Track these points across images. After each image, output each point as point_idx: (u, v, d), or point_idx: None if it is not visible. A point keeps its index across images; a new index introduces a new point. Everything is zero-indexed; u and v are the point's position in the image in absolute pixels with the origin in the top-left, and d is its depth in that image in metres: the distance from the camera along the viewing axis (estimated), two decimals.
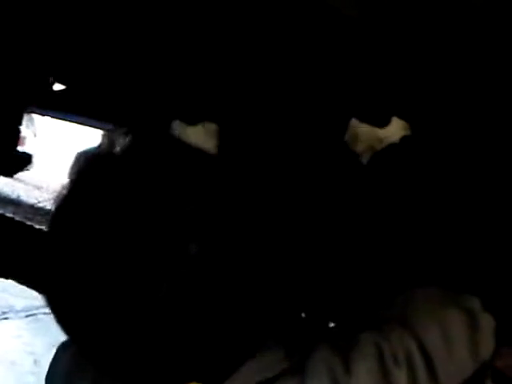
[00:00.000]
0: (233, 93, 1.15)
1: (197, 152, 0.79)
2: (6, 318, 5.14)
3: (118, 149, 0.74)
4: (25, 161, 1.58)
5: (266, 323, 0.78)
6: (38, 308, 4.86)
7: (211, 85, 1.17)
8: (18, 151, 1.61)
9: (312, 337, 0.84)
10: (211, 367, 0.74)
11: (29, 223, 2.09)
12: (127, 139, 0.75)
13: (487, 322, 0.88)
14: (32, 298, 4.79)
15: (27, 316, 5.02)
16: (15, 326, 4.92)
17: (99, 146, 0.75)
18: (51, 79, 1.21)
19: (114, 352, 0.72)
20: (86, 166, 0.75)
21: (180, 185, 0.72)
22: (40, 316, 4.68)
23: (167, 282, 0.69)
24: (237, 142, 1.13)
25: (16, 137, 1.60)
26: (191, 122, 1.11)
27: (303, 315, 1.06)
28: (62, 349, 0.91)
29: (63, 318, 0.74)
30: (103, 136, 0.77)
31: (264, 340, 0.78)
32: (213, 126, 1.11)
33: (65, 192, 0.74)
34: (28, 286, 2.05)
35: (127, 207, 0.70)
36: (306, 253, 1.06)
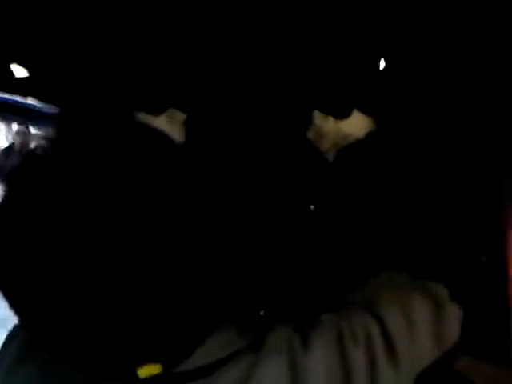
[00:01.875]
0: (195, 83, 1.13)
1: (162, 137, 0.77)
2: (5, 326, 5.04)
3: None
4: None
5: (224, 301, 0.77)
6: (6, 319, 4.76)
7: (175, 75, 1.15)
8: None
9: (270, 317, 0.83)
10: (169, 347, 0.73)
11: None
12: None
13: (453, 312, 0.87)
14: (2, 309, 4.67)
15: None
16: None
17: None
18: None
19: (66, 333, 0.70)
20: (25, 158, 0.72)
21: (142, 170, 0.70)
22: None
23: (122, 263, 0.67)
24: (202, 132, 1.10)
25: None
26: (156, 112, 1.09)
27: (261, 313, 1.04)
28: (10, 336, 0.89)
29: (13, 300, 0.72)
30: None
31: (221, 319, 0.77)
32: (179, 114, 1.08)
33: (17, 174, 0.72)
34: None
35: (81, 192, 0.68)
36: (265, 243, 1.04)
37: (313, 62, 1.10)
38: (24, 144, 7.04)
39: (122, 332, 0.69)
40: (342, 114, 1.05)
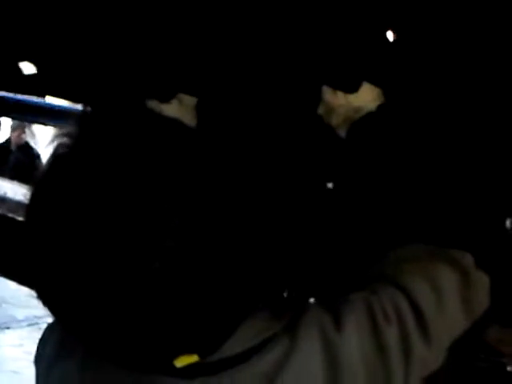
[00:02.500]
0: (203, 66, 1.12)
1: (174, 123, 0.77)
2: (7, 328, 5.14)
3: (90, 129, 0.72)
4: None
5: (256, 291, 0.75)
6: (39, 318, 4.87)
7: (182, 60, 1.14)
8: None
9: (300, 302, 0.82)
10: (203, 338, 0.72)
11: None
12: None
13: (480, 279, 0.86)
14: (33, 308, 4.81)
15: (29, 325, 5.02)
16: (17, 336, 4.93)
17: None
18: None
19: (101, 328, 0.69)
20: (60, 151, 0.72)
21: (157, 158, 0.69)
22: (42, 325, 4.67)
23: (154, 258, 0.66)
24: (213, 115, 1.09)
25: None
26: (166, 99, 1.08)
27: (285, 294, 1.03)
28: (49, 330, 0.89)
29: (49, 298, 0.72)
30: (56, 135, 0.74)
31: (254, 307, 0.76)
32: (189, 99, 1.07)
33: (42, 176, 0.72)
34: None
35: (104, 188, 0.67)
36: (287, 225, 1.03)
37: (319, 37, 1.08)
38: (20, 139, 7.15)
39: (156, 325, 0.68)
40: (352, 88, 1.03)
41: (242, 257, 0.72)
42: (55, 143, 0.72)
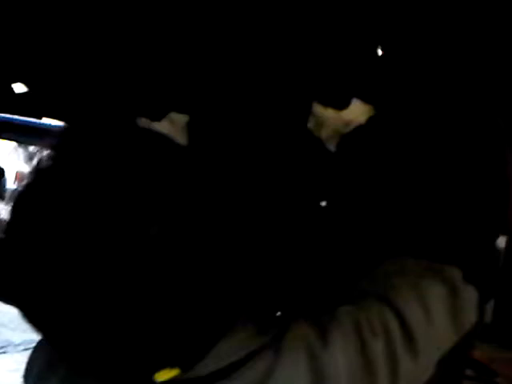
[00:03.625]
0: (193, 82, 1.13)
1: (165, 140, 0.77)
2: (4, 353, 5.10)
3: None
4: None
5: (237, 303, 0.74)
6: (36, 342, 4.82)
7: (173, 78, 1.14)
8: None
9: (287, 315, 0.81)
10: (184, 351, 0.71)
11: None
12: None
13: (468, 294, 0.85)
14: (30, 332, 4.75)
15: (25, 350, 4.98)
16: (13, 360, 4.88)
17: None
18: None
19: (83, 342, 0.69)
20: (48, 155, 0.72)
21: (147, 171, 0.69)
22: None
23: (132, 268, 0.66)
24: (204, 132, 1.09)
25: None
26: (156, 118, 1.08)
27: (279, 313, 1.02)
28: (36, 350, 0.89)
29: (32, 315, 0.72)
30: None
31: (236, 319, 0.75)
32: (180, 117, 1.08)
33: (32, 174, 0.71)
34: None
35: (91, 192, 0.67)
36: (273, 240, 1.02)
37: (309, 55, 1.08)
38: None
39: (137, 339, 0.68)
40: (341, 105, 1.04)
41: (227, 270, 0.71)
42: (38, 157, 0.71)
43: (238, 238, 0.74)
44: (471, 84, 1.05)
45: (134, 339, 0.67)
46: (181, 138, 1.03)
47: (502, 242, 1.00)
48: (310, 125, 1.05)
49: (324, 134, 1.04)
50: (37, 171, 0.72)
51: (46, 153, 0.73)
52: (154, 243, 0.66)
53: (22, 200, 0.71)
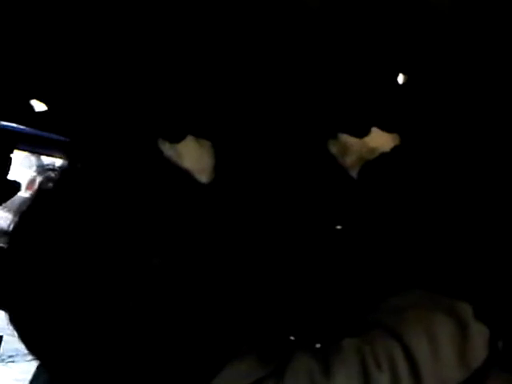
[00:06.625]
0: (216, 109, 1.12)
1: (185, 176, 0.77)
2: (12, 362, 5.09)
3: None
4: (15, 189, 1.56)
5: (240, 331, 0.75)
6: None
7: (194, 103, 1.14)
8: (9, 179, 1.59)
9: (291, 345, 0.80)
10: (187, 377, 0.71)
11: None
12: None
13: (478, 331, 0.85)
14: None
15: (33, 360, 4.98)
16: (21, 370, 4.88)
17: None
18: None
19: (83, 369, 0.70)
20: (54, 181, 0.72)
21: (158, 204, 0.69)
22: None
23: (136, 295, 0.67)
24: (230, 161, 1.08)
25: (7, 164, 1.59)
26: (176, 139, 1.07)
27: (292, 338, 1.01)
28: (38, 369, 0.91)
29: (30, 341, 0.71)
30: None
31: (239, 347, 0.75)
32: (206, 143, 1.06)
33: (32, 203, 0.72)
34: None
35: (97, 221, 0.67)
36: (291, 268, 1.01)
37: (330, 85, 1.08)
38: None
39: (139, 364, 0.68)
40: (362, 133, 1.03)
41: (233, 300, 0.72)
42: (41, 177, 0.72)
43: (248, 268, 0.74)
44: (490, 110, 1.04)
45: (138, 364, 0.68)
46: (209, 160, 1.00)
47: None
48: (334, 151, 1.04)
49: (348, 160, 1.03)
50: (39, 193, 0.72)
51: (57, 172, 0.73)
52: (157, 272, 0.66)
53: (26, 224, 0.72)
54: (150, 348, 0.67)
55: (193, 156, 0.92)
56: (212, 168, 0.92)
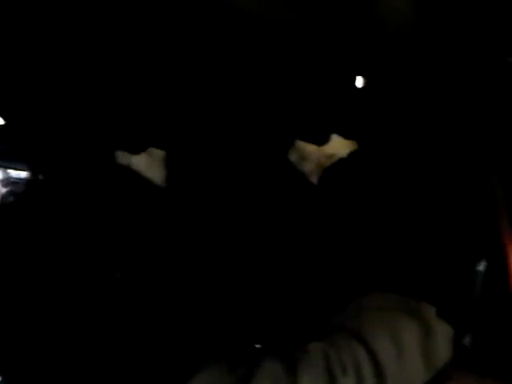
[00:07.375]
0: (173, 119, 1.12)
1: (142, 182, 0.77)
2: None
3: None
4: None
5: (207, 340, 0.76)
6: None
7: (151, 113, 1.14)
8: None
9: (258, 351, 0.80)
10: None
11: None
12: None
13: (442, 331, 0.85)
14: None
15: None
16: None
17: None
18: None
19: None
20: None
21: (120, 218, 0.70)
22: None
23: (100, 307, 0.67)
24: (183, 170, 1.09)
25: None
26: (134, 151, 1.07)
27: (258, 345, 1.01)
28: None
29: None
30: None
31: (208, 356, 0.76)
32: (159, 153, 1.07)
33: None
34: None
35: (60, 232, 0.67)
36: (255, 276, 1.01)
37: (290, 93, 1.09)
38: None
39: (110, 373, 0.68)
40: (321, 141, 1.04)
41: (199, 309, 0.73)
42: (4, 190, 0.72)
43: (208, 279, 0.74)
44: (449, 112, 1.05)
45: (108, 372, 0.68)
46: (159, 172, 1.02)
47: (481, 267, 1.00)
48: (293, 158, 1.05)
49: (307, 167, 1.04)
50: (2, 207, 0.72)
51: (16, 186, 0.73)
52: (119, 285, 0.67)
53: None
54: (113, 361, 0.67)
55: (143, 167, 0.93)
56: (163, 178, 0.92)
